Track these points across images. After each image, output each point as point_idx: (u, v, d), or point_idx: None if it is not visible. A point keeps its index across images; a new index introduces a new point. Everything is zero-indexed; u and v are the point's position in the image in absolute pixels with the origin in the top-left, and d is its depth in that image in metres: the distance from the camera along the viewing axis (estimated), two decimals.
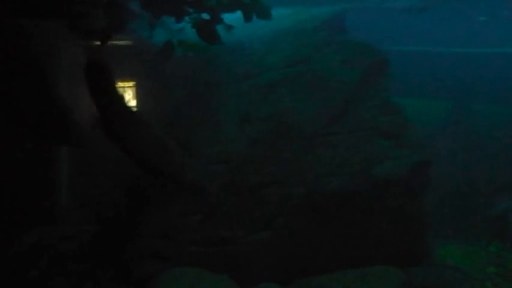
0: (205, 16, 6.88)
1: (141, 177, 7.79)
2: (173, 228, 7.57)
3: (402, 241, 7.89)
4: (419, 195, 8.13)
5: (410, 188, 7.91)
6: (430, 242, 8.46)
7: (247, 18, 6.99)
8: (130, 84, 7.92)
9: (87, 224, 7.63)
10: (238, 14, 7.63)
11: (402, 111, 8.57)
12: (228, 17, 7.64)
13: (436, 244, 8.89)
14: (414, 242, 8.05)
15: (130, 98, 7.91)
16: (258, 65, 8.78)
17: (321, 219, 7.58)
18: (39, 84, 6.05)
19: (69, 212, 7.88)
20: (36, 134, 6.91)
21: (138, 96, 7.93)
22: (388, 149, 8.04)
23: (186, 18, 6.77)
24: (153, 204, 7.71)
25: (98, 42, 5.86)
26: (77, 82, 7.66)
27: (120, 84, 7.89)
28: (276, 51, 8.92)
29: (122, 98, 5.36)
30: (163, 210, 7.67)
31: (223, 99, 8.49)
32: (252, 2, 6.97)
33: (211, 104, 8.49)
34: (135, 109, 7.94)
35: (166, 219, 7.64)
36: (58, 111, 6.37)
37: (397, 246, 7.85)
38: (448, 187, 10.91)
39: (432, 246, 8.54)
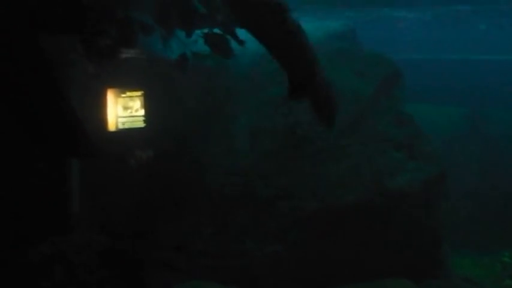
0: (218, 31, 6.87)
1: (153, 188, 7.86)
2: (185, 240, 7.59)
3: (416, 253, 7.84)
4: (433, 207, 8.07)
5: (424, 200, 7.85)
6: (445, 253, 8.39)
7: None
8: (143, 95, 7.94)
9: (100, 234, 7.67)
10: None
11: (415, 122, 8.51)
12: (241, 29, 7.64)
13: (451, 255, 8.81)
14: (428, 253, 7.99)
15: (139, 108, 7.93)
16: (270, 76, 8.77)
17: (333, 231, 7.54)
18: (53, 97, 6.12)
19: (82, 222, 7.94)
20: (49, 145, 6.99)
21: (151, 108, 7.95)
22: (402, 161, 8.00)
23: (198, 32, 6.76)
24: (166, 215, 7.73)
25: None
26: (88, 95, 7.75)
27: (131, 94, 7.94)
28: None
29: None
30: (176, 222, 7.69)
31: (236, 111, 8.50)
32: None
33: (224, 115, 8.51)
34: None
35: (178, 230, 7.65)
36: (70, 124, 6.43)
37: (412, 258, 7.80)
38: (465, 195, 10.77)
39: (447, 258, 8.46)
